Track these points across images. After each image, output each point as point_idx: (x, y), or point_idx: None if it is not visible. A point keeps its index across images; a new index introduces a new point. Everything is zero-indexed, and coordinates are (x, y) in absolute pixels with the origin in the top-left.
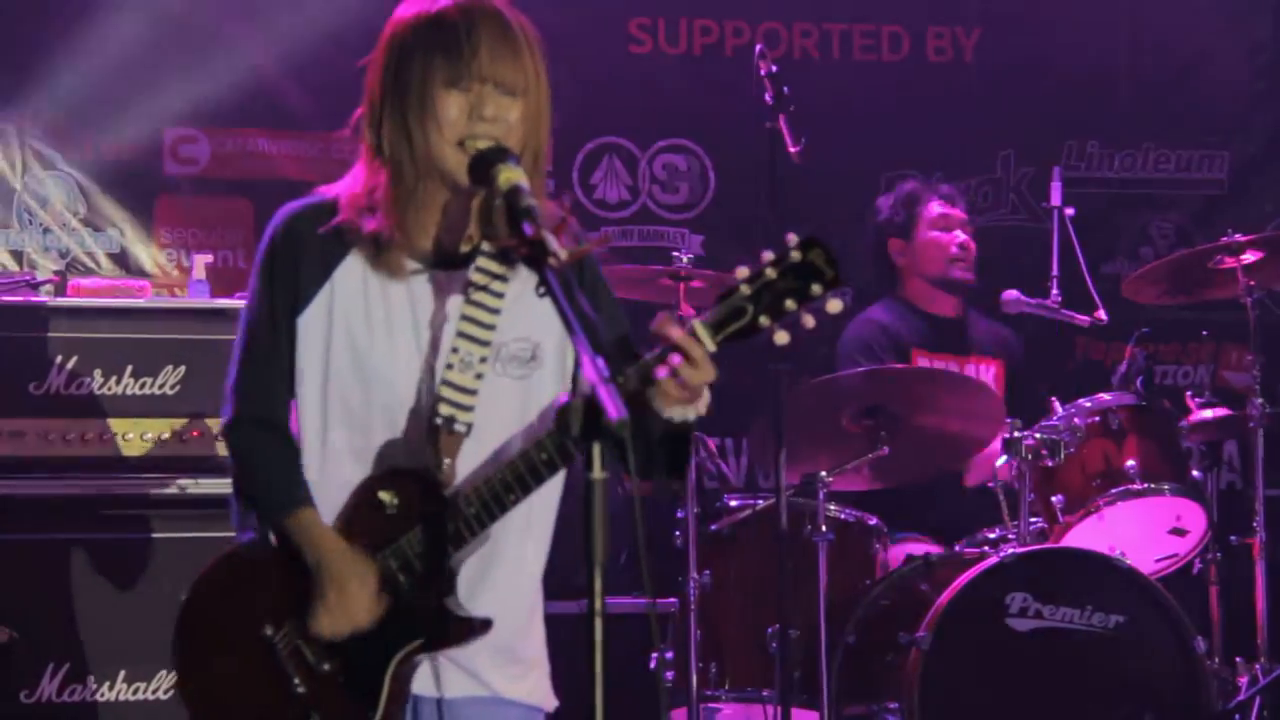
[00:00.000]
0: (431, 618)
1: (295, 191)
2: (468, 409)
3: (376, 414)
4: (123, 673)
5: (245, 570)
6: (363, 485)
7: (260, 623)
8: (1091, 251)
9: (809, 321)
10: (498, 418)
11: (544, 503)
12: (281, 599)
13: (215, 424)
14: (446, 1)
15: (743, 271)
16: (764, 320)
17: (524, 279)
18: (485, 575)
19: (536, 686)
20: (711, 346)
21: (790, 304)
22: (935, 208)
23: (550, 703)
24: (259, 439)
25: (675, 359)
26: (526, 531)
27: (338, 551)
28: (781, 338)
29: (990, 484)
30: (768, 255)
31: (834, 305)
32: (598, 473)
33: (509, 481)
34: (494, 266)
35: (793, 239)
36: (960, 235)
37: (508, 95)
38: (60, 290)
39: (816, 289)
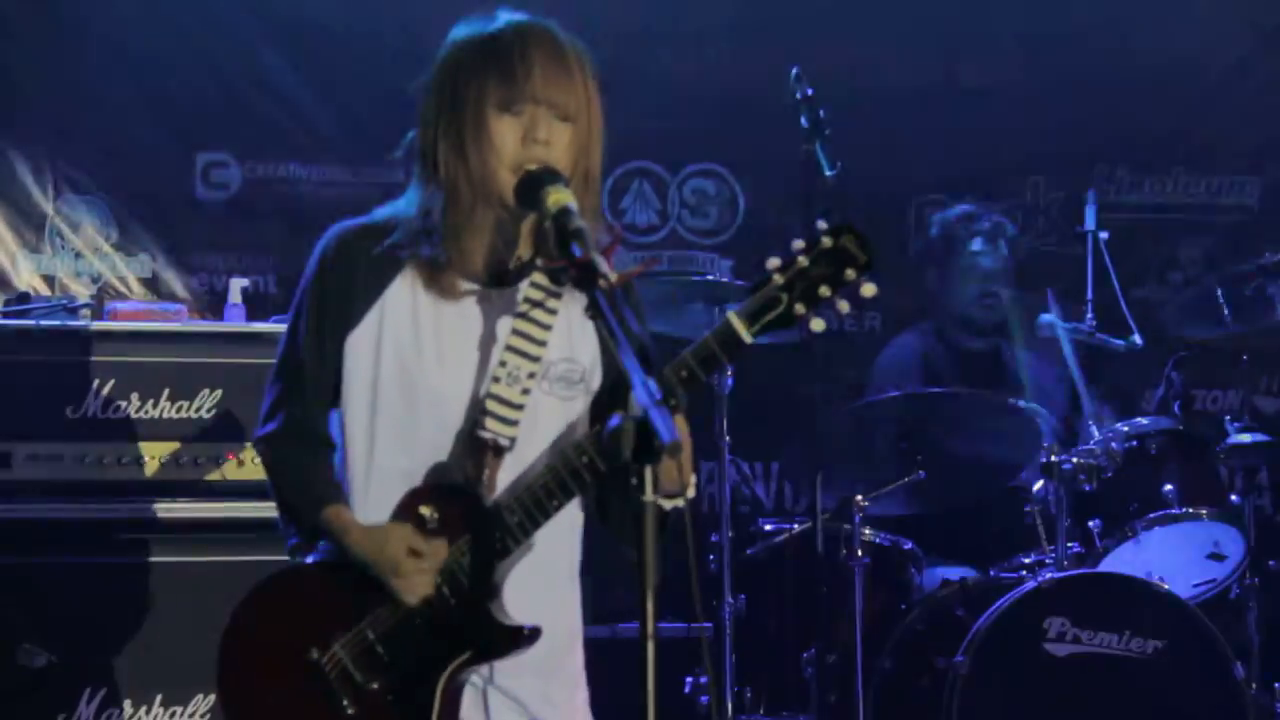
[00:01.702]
0: (478, 630)
1: (326, 216)
2: (513, 423)
3: (425, 434)
4: (159, 696)
5: (286, 594)
6: (404, 501)
7: (305, 646)
8: (1120, 276)
9: (844, 307)
10: (540, 436)
11: (574, 521)
12: (327, 619)
13: (252, 450)
14: (501, 24)
15: (774, 261)
16: (799, 308)
17: (575, 301)
18: (529, 589)
19: (578, 711)
20: (748, 338)
21: (825, 290)
22: (974, 246)
23: None
24: (293, 449)
25: None
26: (569, 546)
27: (368, 538)
28: (817, 325)
29: (1028, 508)
30: (798, 243)
31: (868, 289)
32: (650, 495)
33: (551, 487)
34: (548, 284)
35: (823, 225)
36: (987, 286)
37: (560, 119)
38: (97, 314)
39: (850, 273)
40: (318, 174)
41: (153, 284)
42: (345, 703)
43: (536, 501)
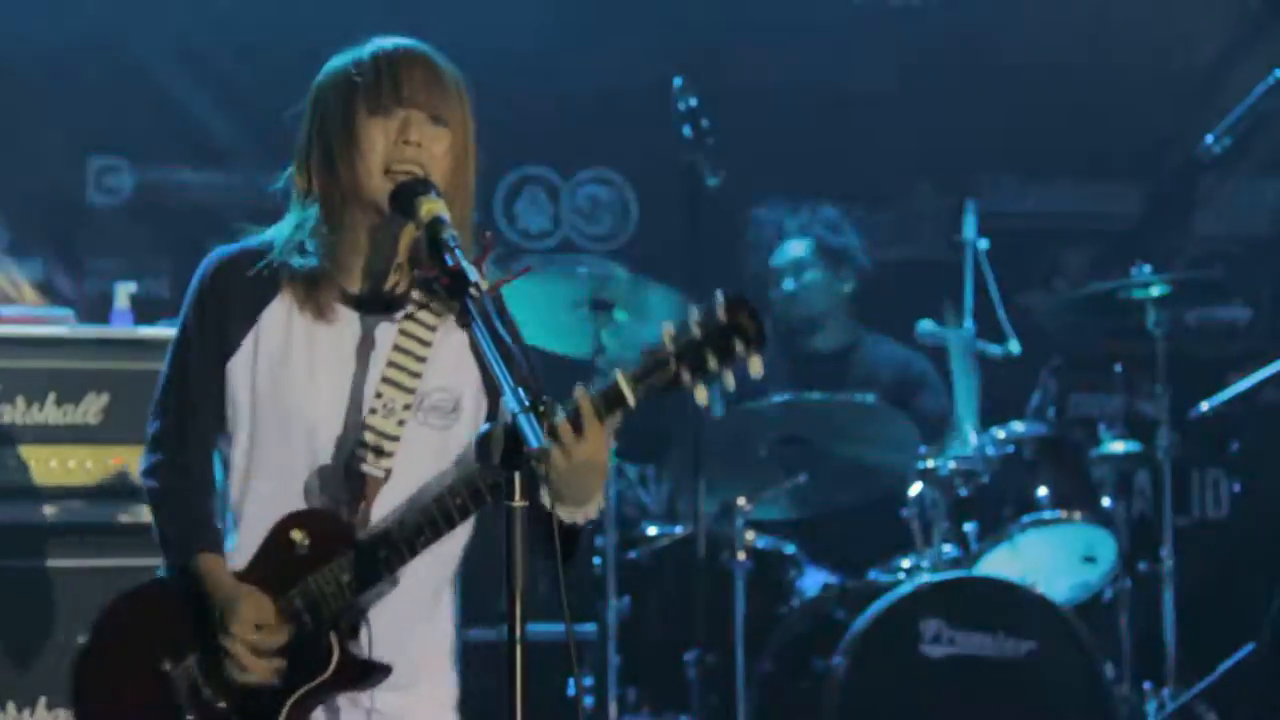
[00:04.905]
0: (332, 658)
1: (218, 222)
2: (388, 455)
3: (299, 462)
4: (43, 700)
5: (147, 606)
6: (277, 525)
7: (160, 658)
8: (1006, 282)
9: (730, 382)
10: (416, 465)
11: (456, 550)
12: (183, 634)
13: (139, 452)
14: (373, 45)
15: (668, 327)
16: (686, 376)
17: (450, 330)
18: (394, 608)
19: None
20: (633, 401)
21: (713, 362)
22: (777, 247)
23: None
24: (171, 483)
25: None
26: (442, 564)
27: (233, 598)
28: (701, 395)
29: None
30: (695, 313)
31: (755, 366)
32: (518, 500)
33: (421, 525)
34: (423, 315)
35: (719, 297)
36: (784, 287)
37: (434, 124)
38: None
39: (739, 346)
40: (211, 180)
41: (45, 288)
42: (189, 718)
43: (406, 539)
